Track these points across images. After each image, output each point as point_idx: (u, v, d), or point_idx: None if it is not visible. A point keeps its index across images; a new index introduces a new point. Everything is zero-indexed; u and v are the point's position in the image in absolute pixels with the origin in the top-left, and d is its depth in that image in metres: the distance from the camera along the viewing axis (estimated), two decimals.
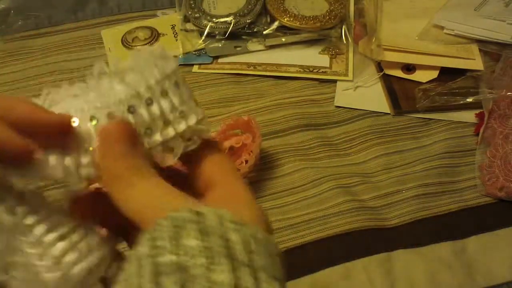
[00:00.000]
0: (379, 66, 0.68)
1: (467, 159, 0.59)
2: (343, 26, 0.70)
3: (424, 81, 0.66)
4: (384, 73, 0.67)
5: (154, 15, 0.75)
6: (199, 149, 0.26)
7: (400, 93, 0.66)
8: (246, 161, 0.54)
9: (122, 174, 0.23)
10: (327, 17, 0.69)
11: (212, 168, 0.26)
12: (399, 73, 0.67)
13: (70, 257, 0.24)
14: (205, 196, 0.26)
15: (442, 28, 0.70)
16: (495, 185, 0.56)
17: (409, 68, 0.68)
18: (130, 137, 0.24)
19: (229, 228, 0.22)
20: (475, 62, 0.67)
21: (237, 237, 0.21)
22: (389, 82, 0.67)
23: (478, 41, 0.68)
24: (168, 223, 0.21)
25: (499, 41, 0.67)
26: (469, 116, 0.63)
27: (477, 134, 0.61)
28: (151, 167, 0.25)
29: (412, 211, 0.55)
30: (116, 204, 0.24)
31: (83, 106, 0.24)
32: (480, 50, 0.68)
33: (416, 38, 0.69)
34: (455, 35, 0.69)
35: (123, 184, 0.23)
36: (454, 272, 0.51)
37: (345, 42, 0.70)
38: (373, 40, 0.69)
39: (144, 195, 0.23)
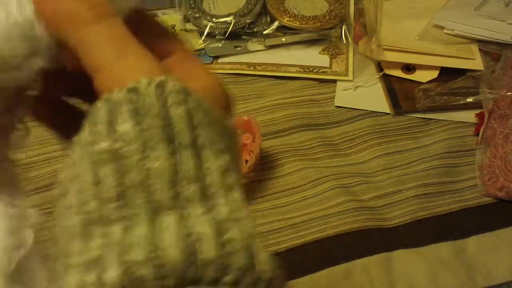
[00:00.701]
0: (379, 66, 0.68)
1: (467, 159, 0.59)
2: (343, 26, 0.70)
3: (424, 81, 0.66)
4: (384, 73, 0.67)
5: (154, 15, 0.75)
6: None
7: (400, 93, 0.66)
8: (246, 161, 0.54)
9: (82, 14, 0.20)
10: (327, 17, 0.69)
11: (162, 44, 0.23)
12: (399, 73, 0.67)
13: None
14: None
15: (442, 28, 0.70)
16: (495, 185, 0.56)
17: (409, 68, 0.68)
18: None
19: (169, 102, 0.19)
20: (475, 62, 0.67)
21: (178, 112, 0.19)
22: (389, 82, 0.67)
23: (478, 41, 0.68)
24: (105, 105, 0.19)
25: (499, 41, 0.67)
26: (469, 116, 0.63)
27: (477, 134, 0.61)
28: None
29: (412, 211, 0.55)
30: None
31: None
32: (480, 50, 0.68)
33: (416, 38, 0.69)
34: (455, 35, 0.69)
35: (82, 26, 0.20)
36: (454, 272, 0.51)
37: (345, 42, 0.70)
38: (373, 40, 0.69)
39: (101, 47, 0.20)
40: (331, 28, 0.70)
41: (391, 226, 0.54)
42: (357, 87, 0.67)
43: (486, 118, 0.61)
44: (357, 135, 0.62)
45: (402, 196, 0.56)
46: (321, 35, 0.70)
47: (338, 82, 0.67)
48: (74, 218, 0.19)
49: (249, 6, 0.70)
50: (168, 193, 0.18)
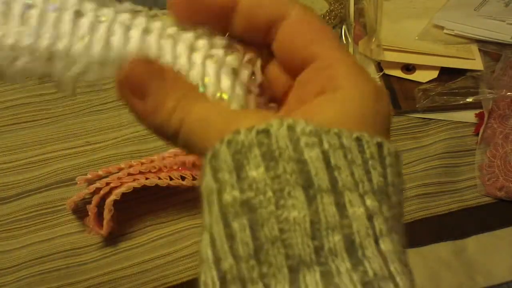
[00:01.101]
0: (379, 66, 0.68)
1: (467, 159, 0.59)
2: (343, 26, 0.70)
3: (424, 81, 0.66)
4: (384, 73, 0.67)
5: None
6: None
7: (400, 93, 0.66)
8: None
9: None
10: (327, 17, 0.69)
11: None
12: (399, 73, 0.67)
13: None
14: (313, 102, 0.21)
15: (442, 28, 0.70)
16: (495, 185, 0.56)
17: (409, 68, 0.68)
18: None
19: (302, 144, 0.17)
20: (475, 62, 0.67)
21: (312, 154, 0.17)
22: (389, 82, 0.67)
23: (478, 41, 0.68)
24: (226, 149, 0.18)
25: (499, 41, 0.67)
26: (469, 116, 0.63)
27: (477, 134, 0.61)
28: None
29: (412, 211, 0.55)
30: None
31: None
32: (480, 50, 0.68)
33: (416, 38, 0.69)
34: (455, 35, 0.69)
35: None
36: (454, 272, 0.51)
37: (345, 42, 0.70)
38: (373, 40, 0.69)
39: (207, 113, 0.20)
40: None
41: None
42: None
43: (486, 118, 0.61)
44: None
45: None
46: None
47: None
48: (211, 274, 0.17)
49: None
50: (309, 246, 0.16)
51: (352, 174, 0.18)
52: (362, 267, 0.16)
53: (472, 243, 0.54)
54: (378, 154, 0.19)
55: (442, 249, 0.53)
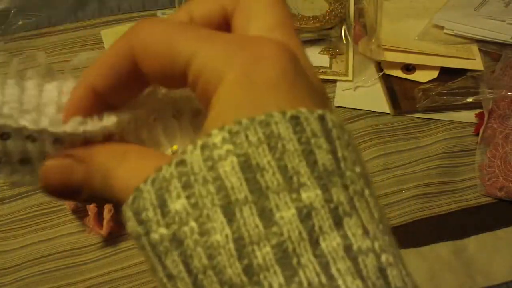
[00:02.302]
0: (379, 66, 0.68)
1: (467, 159, 0.59)
2: (343, 26, 0.70)
3: (424, 81, 0.66)
4: (384, 73, 0.67)
5: (154, 15, 0.75)
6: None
7: (400, 93, 0.66)
8: None
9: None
10: (327, 17, 0.69)
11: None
12: (399, 73, 0.67)
13: None
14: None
15: (442, 28, 0.70)
16: (495, 185, 0.56)
17: (409, 68, 0.68)
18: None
19: (216, 158, 0.16)
20: (475, 62, 0.67)
21: (226, 166, 0.16)
22: (389, 82, 0.67)
23: (478, 41, 0.68)
24: (150, 187, 0.17)
25: (499, 41, 0.67)
26: (469, 116, 0.63)
27: (477, 134, 0.61)
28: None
29: (412, 211, 0.55)
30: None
31: None
32: (480, 50, 0.68)
33: (416, 38, 0.69)
34: (455, 35, 0.69)
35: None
36: (454, 272, 0.51)
37: (345, 42, 0.70)
38: (373, 40, 0.69)
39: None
40: (331, 28, 0.70)
41: (391, 226, 0.54)
42: (357, 87, 0.67)
43: (486, 118, 0.61)
44: (357, 135, 0.62)
45: (402, 196, 0.56)
46: (321, 35, 0.70)
47: (338, 82, 0.67)
48: None
49: None
50: (237, 267, 0.15)
51: (282, 168, 0.16)
52: (298, 277, 0.15)
53: (472, 243, 0.54)
54: (321, 129, 0.17)
55: (442, 249, 0.53)
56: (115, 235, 0.51)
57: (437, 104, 0.63)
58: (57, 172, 0.20)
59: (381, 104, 0.65)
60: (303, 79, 0.18)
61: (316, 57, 0.69)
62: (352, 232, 0.16)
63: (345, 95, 0.66)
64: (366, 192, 0.17)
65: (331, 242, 0.15)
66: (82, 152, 0.20)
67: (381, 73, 0.67)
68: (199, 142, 0.16)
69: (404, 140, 0.61)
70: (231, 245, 0.15)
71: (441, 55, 0.68)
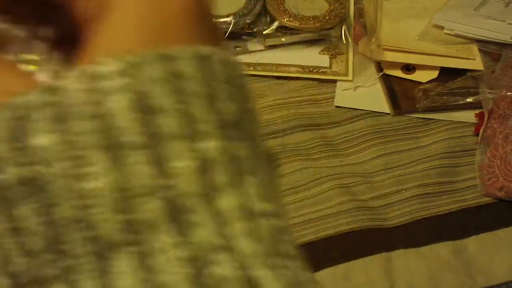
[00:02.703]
0: (379, 66, 0.68)
1: (467, 159, 0.59)
2: (343, 26, 0.70)
3: (424, 81, 0.66)
4: (384, 73, 0.67)
5: None
6: None
7: (400, 93, 0.66)
8: None
9: None
10: (327, 17, 0.69)
11: None
12: (399, 73, 0.67)
13: None
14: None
15: (442, 28, 0.70)
16: (495, 185, 0.56)
17: (409, 68, 0.68)
18: None
19: (101, 91, 0.13)
20: (475, 62, 0.67)
21: (114, 102, 0.13)
22: (389, 82, 0.67)
23: (478, 41, 0.68)
24: (3, 115, 0.13)
25: (499, 41, 0.67)
26: (469, 116, 0.63)
27: (477, 134, 0.61)
28: None
29: (412, 211, 0.55)
30: None
31: None
32: (480, 50, 0.68)
33: (416, 38, 0.69)
34: (455, 35, 0.69)
35: None
36: (454, 272, 0.51)
37: (345, 42, 0.70)
38: (373, 40, 0.69)
39: None
40: (331, 28, 0.70)
41: (391, 226, 0.54)
42: (357, 87, 0.67)
43: (486, 118, 0.61)
44: (357, 135, 0.62)
45: (401, 196, 0.56)
46: (321, 35, 0.70)
47: (338, 82, 0.67)
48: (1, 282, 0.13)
49: (249, 6, 0.70)
50: (117, 222, 0.13)
51: (183, 112, 0.14)
52: (188, 237, 0.13)
53: (472, 243, 0.54)
54: (228, 74, 0.15)
55: (442, 249, 0.53)
56: None
57: (437, 104, 0.63)
58: None
59: (381, 104, 0.65)
60: (207, 14, 0.16)
61: (316, 57, 0.69)
62: (251, 191, 0.14)
63: (345, 95, 0.66)
64: (260, 142, 0.16)
65: (229, 200, 0.14)
66: None
67: (381, 73, 0.67)
68: (80, 69, 0.13)
69: (404, 140, 0.61)
70: (113, 195, 0.13)
71: (441, 55, 0.68)
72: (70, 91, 0.13)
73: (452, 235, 0.54)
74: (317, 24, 0.69)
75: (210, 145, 0.14)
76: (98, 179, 0.13)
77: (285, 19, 0.69)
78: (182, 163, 0.13)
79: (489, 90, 0.62)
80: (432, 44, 0.68)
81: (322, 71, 0.68)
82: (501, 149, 0.58)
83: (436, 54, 0.68)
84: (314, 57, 0.69)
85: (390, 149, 0.60)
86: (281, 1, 0.71)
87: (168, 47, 0.14)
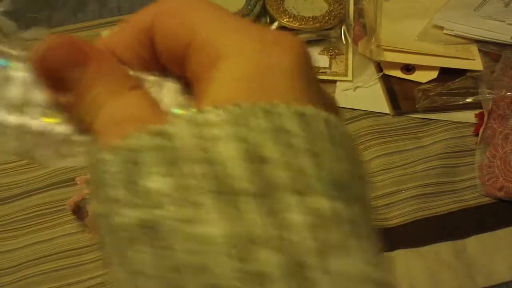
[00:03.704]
0: (379, 66, 0.68)
1: (467, 159, 0.59)
2: (343, 27, 0.70)
3: (424, 82, 0.66)
4: (384, 74, 0.67)
5: None
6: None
7: (399, 93, 0.66)
8: None
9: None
10: (327, 18, 0.69)
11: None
12: (398, 73, 0.67)
13: None
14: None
15: (442, 28, 0.70)
16: (495, 185, 0.56)
17: (408, 68, 0.68)
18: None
19: (210, 137, 0.13)
20: (475, 63, 0.67)
21: (224, 149, 0.13)
22: (388, 83, 0.67)
23: (478, 42, 0.68)
24: (118, 157, 0.14)
25: (499, 41, 0.67)
26: (469, 116, 0.63)
27: (477, 134, 0.61)
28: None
29: (412, 211, 0.55)
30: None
31: None
32: (479, 50, 0.68)
33: (416, 38, 0.69)
34: (454, 36, 0.69)
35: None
36: (454, 272, 0.51)
37: (344, 42, 0.70)
38: (373, 40, 0.69)
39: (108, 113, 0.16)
40: (330, 29, 0.70)
41: (391, 226, 0.54)
42: (356, 87, 0.67)
43: (485, 118, 0.61)
44: (357, 135, 0.62)
45: (401, 196, 0.56)
46: (321, 36, 0.70)
47: (337, 83, 0.67)
48: None
49: (249, 7, 0.70)
50: (233, 269, 0.12)
51: (289, 164, 0.14)
52: None
53: (472, 243, 0.53)
54: (327, 131, 0.15)
55: (442, 249, 0.53)
56: None
57: (437, 104, 0.63)
58: (64, 47, 0.17)
59: (381, 104, 0.65)
60: (314, 77, 0.17)
61: (316, 57, 0.69)
62: (363, 255, 0.14)
63: (345, 96, 0.66)
64: (370, 216, 0.16)
65: (342, 262, 0.13)
66: (97, 55, 0.17)
67: (381, 74, 0.67)
68: (188, 115, 0.14)
69: (404, 140, 0.61)
70: (229, 242, 0.12)
71: (440, 55, 0.68)
72: (180, 136, 0.14)
73: (452, 235, 0.54)
74: (317, 25, 0.69)
75: (322, 203, 0.14)
76: (213, 224, 0.13)
77: (285, 20, 0.69)
78: (297, 217, 0.13)
79: (489, 90, 0.62)
80: (432, 45, 0.68)
81: (322, 72, 0.68)
82: (501, 149, 0.58)
83: (436, 55, 0.68)
84: (313, 57, 0.69)
85: (390, 149, 0.60)
86: (281, 2, 0.71)
87: (273, 102, 0.14)
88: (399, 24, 0.72)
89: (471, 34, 0.68)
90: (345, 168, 0.15)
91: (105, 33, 0.73)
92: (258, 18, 0.70)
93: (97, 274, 0.50)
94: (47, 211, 0.53)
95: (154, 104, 0.16)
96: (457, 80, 0.65)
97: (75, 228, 0.52)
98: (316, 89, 0.17)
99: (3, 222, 0.52)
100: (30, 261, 0.50)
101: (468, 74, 0.66)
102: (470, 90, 0.64)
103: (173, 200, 0.13)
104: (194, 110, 0.14)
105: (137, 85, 0.17)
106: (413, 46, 0.68)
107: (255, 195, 0.13)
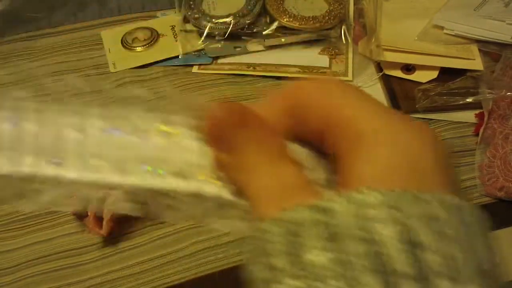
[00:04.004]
0: (379, 66, 0.68)
1: (467, 159, 0.59)
2: (343, 27, 0.70)
3: (424, 81, 0.66)
4: (384, 73, 0.67)
5: (154, 16, 0.75)
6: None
7: (399, 93, 0.66)
8: None
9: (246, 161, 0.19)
10: (327, 18, 0.69)
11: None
12: (398, 73, 0.67)
13: None
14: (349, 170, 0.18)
15: (442, 28, 0.70)
16: (495, 185, 0.56)
17: (408, 68, 0.68)
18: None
19: (371, 218, 0.14)
20: (475, 62, 0.67)
21: (385, 231, 0.14)
22: (388, 82, 0.67)
23: (478, 41, 0.68)
24: (280, 229, 0.15)
25: (499, 41, 0.67)
26: (469, 116, 0.63)
27: (477, 134, 0.61)
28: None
29: None
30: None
31: None
32: (480, 50, 0.68)
33: (416, 38, 0.69)
34: (455, 35, 0.69)
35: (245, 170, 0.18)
36: None
37: (344, 42, 0.70)
38: (373, 40, 0.69)
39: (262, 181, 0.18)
40: (330, 29, 0.70)
41: None
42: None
43: (485, 118, 0.60)
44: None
45: None
46: (321, 36, 0.70)
47: None
48: None
49: (249, 7, 0.70)
50: None
51: (444, 253, 0.14)
52: None
53: None
54: (470, 219, 0.16)
55: None
56: (115, 235, 0.51)
57: (437, 104, 0.63)
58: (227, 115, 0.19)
59: None
60: (451, 164, 0.19)
61: (316, 57, 0.70)
62: None
63: None
64: None
65: None
66: (253, 121, 0.19)
67: (381, 73, 0.67)
68: (348, 195, 0.15)
69: None
70: None
71: (441, 55, 0.68)
72: (339, 214, 0.14)
73: None
74: (317, 25, 0.69)
75: None
76: None
77: (285, 20, 0.69)
78: None
79: (489, 90, 0.62)
80: (432, 44, 0.68)
81: (322, 72, 0.68)
82: (501, 149, 0.58)
83: (436, 54, 0.68)
84: (313, 57, 0.69)
85: None
86: (281, 2, 0.71)
87: (422, 189, 0.15)
88: (399, 24, 0.72)
89: (471, 34, 0.68)
90: (487, 255, 0.16)
91: (104, 33, 0.73)
92: (258, 18, 0.70)
93: (97, 274, 0.50)
94: (47, 211, 0.53)
95: (304, 175, 0.18)
96: (457, 80, 0.65)
97: (75, 228, 0.52)
98: (454, 177, 0.18)
99: (3, 222, 0.52)
100: (30, 261, 0.50)
101: (468, 74, 0.66)
102: (470, 90, 0.64)
103: (335, 275, 0.14)
104: (352, 190, 0.15)
105: (288, 154, 0.19)
106: (413, 46, 0.68)
107: (415, 278, 0.14)
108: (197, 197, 0.20)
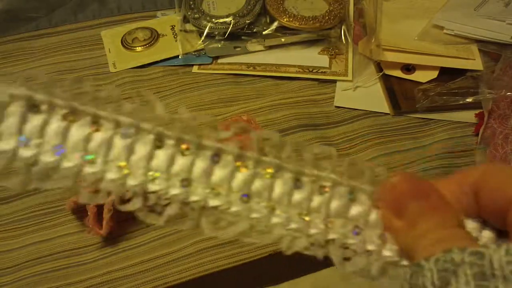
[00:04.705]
0: (379, 66, 0.68)
1: (467, 159, 0.59)
2: (343, 27, 0.70)
3: (424, 81, 0.66)
4: (384, 73, 0.67)
5: (154, 16, 0.75)
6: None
7: (399, 93, 0.66)
8: None
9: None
10: (327, 18, 0.69)
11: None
12: (398, 73, 0.67)
13: None
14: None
15: (442, 28, 0.70)
16: None
17: (408, 68, 0.68)
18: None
19: None
20: (475, 62, 0.67)
21: None
22: (388, 82, 0.67)
23: (478, 41, 0.68)
24: (432, 266, 0.17)
25: (499, 41, 0.67)
26: (469, 116, 0.63)
27: (477, 134, 0.61)
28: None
29: None
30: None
31: None
32: (480, 50, 0.68)
33: (416, 38, 0.69)
34: (454, 35, 0.69)
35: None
36: None
37: (344, 42, 0.70)
38: (373, 40, 0.69)
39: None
40: (330, 29, 0.70)
41: None
42: (356, 87, 0.67)
43: (485, 118, 0.60)
44: (356, 135, 0.62)
45: None
46: (321, 36, 0.70)
47: (337, 82, 0.67)
48: None
49: (249, 7, 0.70)
50: None
51: None
52: None
53: None
54: None
55: None
56: (115, 235, 0.51)
57: (437, 104, 0.63)
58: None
59: (381, 104, 0.65)
60: None
61: (316, 57, 0.70)
62: None
63: (345, 95, 0.66)
64: None
65: None
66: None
67: (381, 73, 0.67)
68: (505, 245, 0.17)
69: (404, 140, 0.61)
70: None
71: (441, 55, 0.68)
72: (492, 258, 0.17)
73: None
74: (317, 25, 0.69)
75: None
76: None
77: (285, 20, 0.69)
78: None
79: (489, 90, 0.62)
80: (432, 44, 0.68)
81: (322, 71, 0.68)
82: (501, 149, 0.58)
83: (436, 54, 0.68)
84: (313, 57, 0.70)
85: (390, 149, 0.60)
86: (281, 2, 0.71)
87: None
88: (399, 24, 0.72)
89: (471, 34, 0.68)
90: None
91: (104, 32, 0.73)
92: (258, 18, 0.70)
93: (96, 274, 0.50)
94: (47, 211, 0.53)
95: (474, 242, 0.21)
96: (457, 80, 0.65)
97: (74, 228, 0.52)
98: None
99: (3, 222, 0.52)
100: (30, 261, 0.50)
101: (468, 74, 0.66)
102: (470, 90, 0.64)
103: None
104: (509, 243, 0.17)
105: (462, 225, 0.21)
106: (413, 46, 0.68)
107: None
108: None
